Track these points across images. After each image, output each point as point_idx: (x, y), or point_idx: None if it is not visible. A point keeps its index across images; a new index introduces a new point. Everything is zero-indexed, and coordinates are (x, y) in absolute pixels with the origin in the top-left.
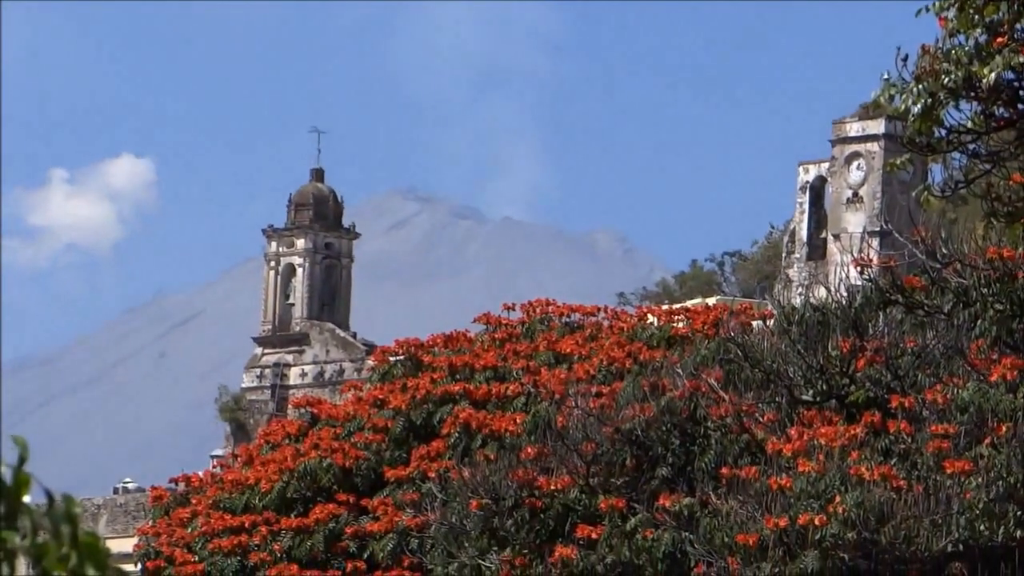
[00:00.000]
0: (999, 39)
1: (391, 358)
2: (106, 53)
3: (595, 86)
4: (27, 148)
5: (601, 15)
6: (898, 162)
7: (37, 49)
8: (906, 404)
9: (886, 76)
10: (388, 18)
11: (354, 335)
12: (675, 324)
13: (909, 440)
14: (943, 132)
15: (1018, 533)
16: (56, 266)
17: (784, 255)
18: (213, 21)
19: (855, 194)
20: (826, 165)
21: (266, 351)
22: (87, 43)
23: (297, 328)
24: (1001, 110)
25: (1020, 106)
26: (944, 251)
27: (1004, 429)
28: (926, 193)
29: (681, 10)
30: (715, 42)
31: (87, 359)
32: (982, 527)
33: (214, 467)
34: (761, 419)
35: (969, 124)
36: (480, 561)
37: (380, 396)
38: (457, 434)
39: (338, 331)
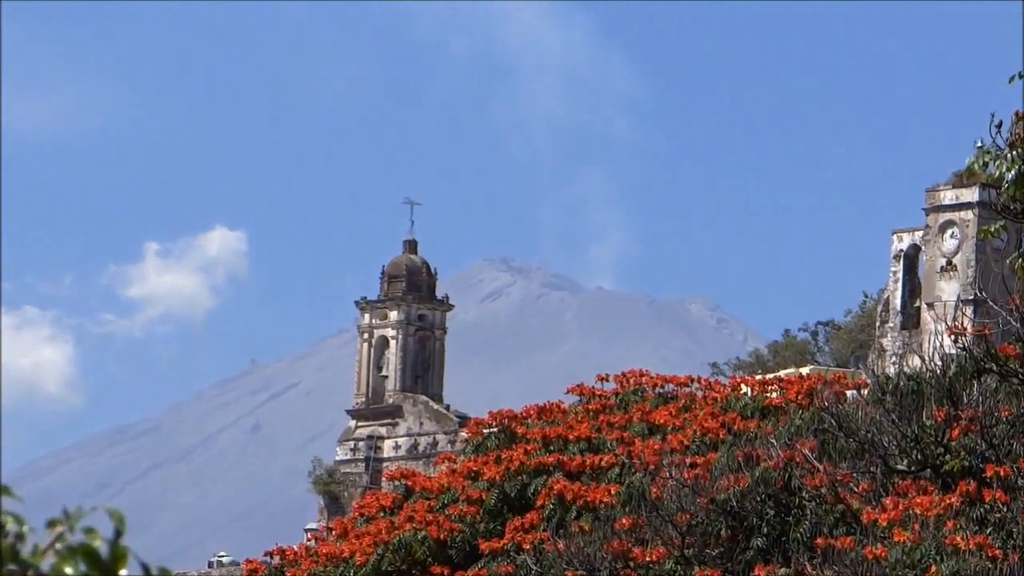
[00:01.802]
0: None
1: (485, 430)
2: (196, 127)
3: (685, 154)
4: (120, 223)
5: (689, 83)
6: (992, 229)
7: (129, 124)
8: (1001, 473)
9: (979, 143)
10: (480, 89)
11: (447, 407)
12: (769, 394)
13: (1005, 509)
14: None
15: None
16: (151, 337)
17: (878, 324)
18: (304, 93)
19: (949, 262)
20: (920, 233)
21: (360, 424)
22: (177, 118)
23: (390, 400)
24: None
25: None
26: None
27: None
28: (1020, 260)
29: (770, 79)
30: (807, 110)
31: (182, 430)
32: None
33: (308, 540)
34: (856, 489)
35: None
36: None
37: (474, 468)
38: (551, 505)
39: (431, 403)
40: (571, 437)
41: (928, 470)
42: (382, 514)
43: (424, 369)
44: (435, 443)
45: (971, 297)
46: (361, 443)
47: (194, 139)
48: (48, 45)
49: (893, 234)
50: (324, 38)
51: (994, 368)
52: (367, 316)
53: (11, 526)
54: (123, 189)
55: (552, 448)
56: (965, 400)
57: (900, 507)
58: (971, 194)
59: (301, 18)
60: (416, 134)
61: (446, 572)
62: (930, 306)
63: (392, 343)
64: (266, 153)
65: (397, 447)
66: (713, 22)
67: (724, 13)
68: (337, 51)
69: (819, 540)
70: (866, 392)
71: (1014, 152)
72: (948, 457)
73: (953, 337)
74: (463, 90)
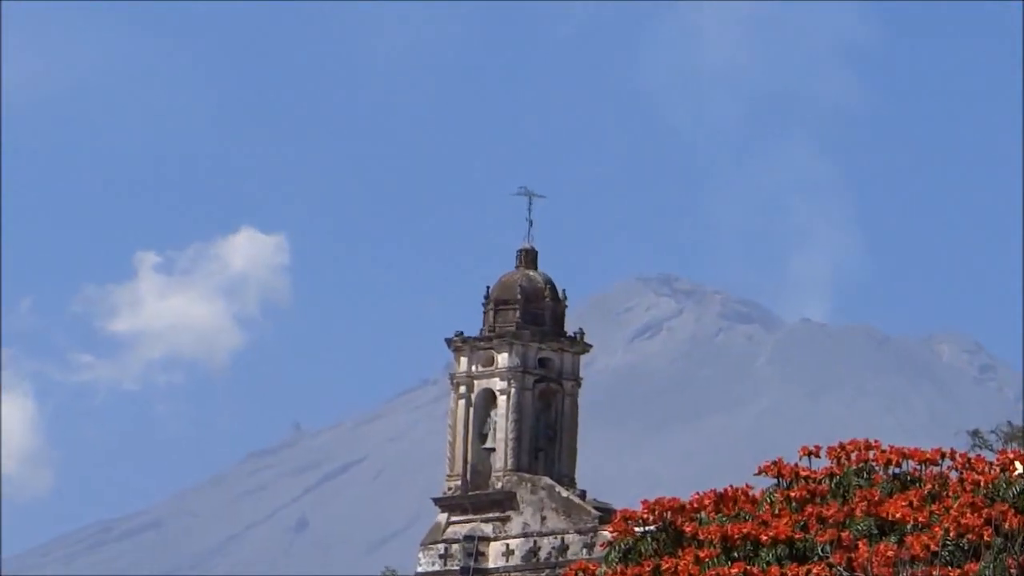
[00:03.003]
0: None
1: (637, 528)
2: (213, 88)
3: (931, 130)
4: (101, 223)
5: (944, 27)
6: None
7: (112, 79)
8: None
9: None
10: (625, 30)
11: (582, 494)
12: None
13: None
14: None
15: None
16: (149, 390)
17: None
18: (373, 47)
19: None
20: None
21: (454, 518)
22: (184, 70)
23: (499, 484)
24: None
25: None
26: None
27: None
28: None
29: None
30: None
31: (195, 527)
32: None
33: None
34: None
35: None
36: None
37: None
38: None
39: (558, 489)
40: (764, 538)
41: None
42: None
43: (548, 438)
44: (564, 547)
45: None
46: (455, 546)
47: (209, 104)
48: None
49: None
50: None
51: None
52: (465, 360)
53: None
54: (107, 176)
55: (737, 555)
56: None
57: None
58: None
59: None
60: (533, 97)
61: None
62: None
63: (501, 400)
64: (315, 124)
65: (508, 553)
66: None
67: None
68: None
69: None
70: None
71: None
72: None
73: None
74: (601, 32)
